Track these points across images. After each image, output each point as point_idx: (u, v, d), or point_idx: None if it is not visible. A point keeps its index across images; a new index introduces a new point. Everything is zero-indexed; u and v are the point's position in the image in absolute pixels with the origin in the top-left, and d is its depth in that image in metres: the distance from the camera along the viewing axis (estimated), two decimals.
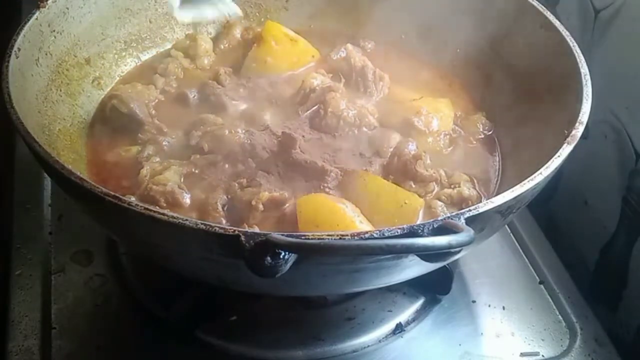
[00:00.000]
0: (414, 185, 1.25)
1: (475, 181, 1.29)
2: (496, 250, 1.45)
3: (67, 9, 1.33)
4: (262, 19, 1.62)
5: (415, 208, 1.19)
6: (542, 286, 1.41)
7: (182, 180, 1.22)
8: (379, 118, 1.38)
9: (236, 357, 1.24)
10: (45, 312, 1.28)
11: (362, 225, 1.11)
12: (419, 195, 1.22)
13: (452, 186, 1.26)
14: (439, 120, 1.37)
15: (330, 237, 0.86)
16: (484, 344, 1.30)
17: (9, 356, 1.21)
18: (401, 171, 1.26)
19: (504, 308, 1.35)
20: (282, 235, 0.84)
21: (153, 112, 1.37)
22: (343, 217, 1.11)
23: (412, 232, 0.89)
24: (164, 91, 1.44)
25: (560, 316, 1.35)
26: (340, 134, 1.34)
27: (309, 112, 1.38)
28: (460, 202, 1.23)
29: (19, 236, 1.40)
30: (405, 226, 0.89)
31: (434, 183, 1.26)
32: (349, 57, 1.48)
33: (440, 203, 1.23)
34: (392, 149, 1.30)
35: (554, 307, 1.37)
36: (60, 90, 1.31)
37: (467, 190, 1.25)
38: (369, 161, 1.29)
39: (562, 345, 1.31)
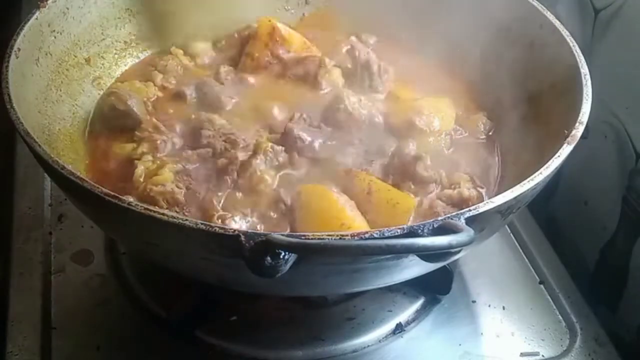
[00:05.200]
0: (413, 186, 1.24)
1: (475, 181, 1.29)
2: (496, 250, 1.45)
3: (67, 9, 1.33)
4: None
5: (407, 208, 1.19)
6: (542, 286, 1.41)
7: (176, 177, 1.22)
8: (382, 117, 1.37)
9: (236, 357, 1.24)
10: (45, 312, 1.28)
11: (352, 214, 1.13)
12: (417, 196, 1.22)
13: (452, 186, 1.26)
14: (440, 120, 1.36)
15: (330, 237, 0.86)
16: (484, 344, 1.30)
17: (9, 356, 1.21)
18: (401, 172, 1.26)
19: (504, 308, 1.35)
20: (282, 235, 0.84)
21: (151, 109, 1.37)
22: (334, 204, 1.14)
23: (412, 232, 0.89)
24: (163, 88, 1.43)
25: (560, 316, 1.36)
26: (346, 131, 1.33)
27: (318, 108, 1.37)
28: (461, 203, 1.23)
29: (19, 236, 1.40)
30: (405, 226, 0.89)
31: (434, 184, 1.26)
32: (353, 50, 1.47)
33: (441, 203, 1.23)
34: (392, 149, 1.30)
35: (554, 307, 1.37)
36: (60, 90, 1.31)
37: (467, 190, 1.25)
38: (370, 160, 1.29)
39: (562, 345, 1.31)
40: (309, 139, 1.29)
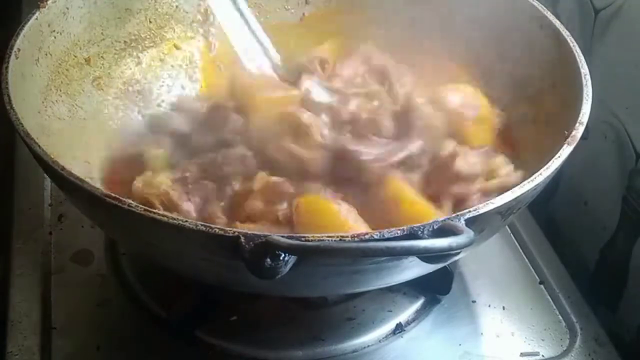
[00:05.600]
0: (459, 186, 1.21)
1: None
2: (496, 250, 1.45)
3: (67, 9, 1.32)
4: (262, 19, 1.61)
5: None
6: (542, 286, 1.41)
7: (174, 184, 1.21)
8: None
9: (236, 357, 1.24)
10: (45, 312, 1.28)
11: (356, 224, 1.11)
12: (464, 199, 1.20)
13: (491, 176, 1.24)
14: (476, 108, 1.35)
15: (330, 239, 0.86)
16: (484, 344, 1.30)
17: (9, 356, 1.21)
18: (441, 175, 1.22)
19: (504, 308, 1.35)
20: (282, 236, 0.84)
21: None
22: (337, 216, 1.12)
23: (412, 234, 0.88)
24: None
25: (560, 316, 1.35)
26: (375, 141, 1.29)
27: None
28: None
29: (19, 236, 1.40)
30: (405, 227, 0.89)
31: (480, 178, 1.23)
32: (369, 58, 1.46)
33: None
34: (425, 154, 1.25)
35: (554, 307, 1.37)
36: (60, 91, 1.30)
37: (510, 177, 1.22)
38: (408, 169, 1.25)
39: (562, 345, 1.31)
40: (365, 150, 1.24)
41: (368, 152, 1.24)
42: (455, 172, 1.22)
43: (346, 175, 1.23)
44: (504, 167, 1.26)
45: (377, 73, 1.45)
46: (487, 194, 1.21)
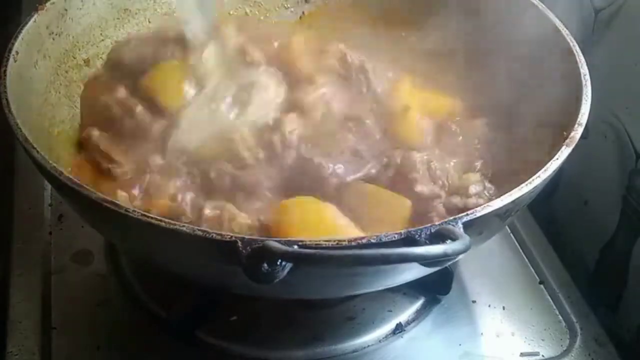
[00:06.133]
0: (420, 203, 1.20)
1: (485, 181, 1.27)
2: (496, 250, 1.45)
3: (66, 10, 1.32)
4: (262, 17, 1.61)
5: (403, 206, 1.18)
6: (542, 286, 1.41)
7: None
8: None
9: (236, 357, 1.25)
10: (45, 312, 1.28)
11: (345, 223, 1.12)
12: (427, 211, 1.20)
13: (458, 193, 1.23)
14: (435, 123, 1.35)
15: (327, 243, 0.87)
16: (484, 344, 1.30)
17: (9, 356, 1.21)
18: (404, 192, 1.21)
19: (504, 308, 1.35)
20: (279, 242, 0.84)
21: None
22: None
23: (410, 237, 0.89)
24: None
25: (560, 316, 1.35)
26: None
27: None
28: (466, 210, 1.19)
29: (19, 236, 1.40)
30: (402, 231, 0.89)
31: (442, 196, 1.22)
32: (344, 56, 1.43)
33: (441, 210, 1.19)
34: (386, 161, 1.26)
35: (554, 307, 1.37)
36: (59, 93, 1.30)
37: (473, 199, 1.22)
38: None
39: (562, 345, 1.31)
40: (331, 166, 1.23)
41: (331, 166, 1.23)
42: (416, 193, 1.21)
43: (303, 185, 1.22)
44: (476, 186, 1.24)
45: (354, 69, 1.42)
46: (450, 210, 1.20)
